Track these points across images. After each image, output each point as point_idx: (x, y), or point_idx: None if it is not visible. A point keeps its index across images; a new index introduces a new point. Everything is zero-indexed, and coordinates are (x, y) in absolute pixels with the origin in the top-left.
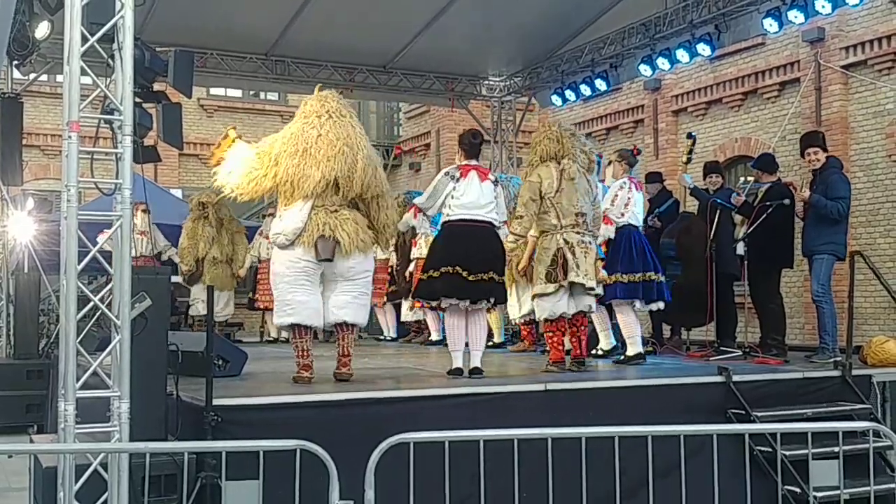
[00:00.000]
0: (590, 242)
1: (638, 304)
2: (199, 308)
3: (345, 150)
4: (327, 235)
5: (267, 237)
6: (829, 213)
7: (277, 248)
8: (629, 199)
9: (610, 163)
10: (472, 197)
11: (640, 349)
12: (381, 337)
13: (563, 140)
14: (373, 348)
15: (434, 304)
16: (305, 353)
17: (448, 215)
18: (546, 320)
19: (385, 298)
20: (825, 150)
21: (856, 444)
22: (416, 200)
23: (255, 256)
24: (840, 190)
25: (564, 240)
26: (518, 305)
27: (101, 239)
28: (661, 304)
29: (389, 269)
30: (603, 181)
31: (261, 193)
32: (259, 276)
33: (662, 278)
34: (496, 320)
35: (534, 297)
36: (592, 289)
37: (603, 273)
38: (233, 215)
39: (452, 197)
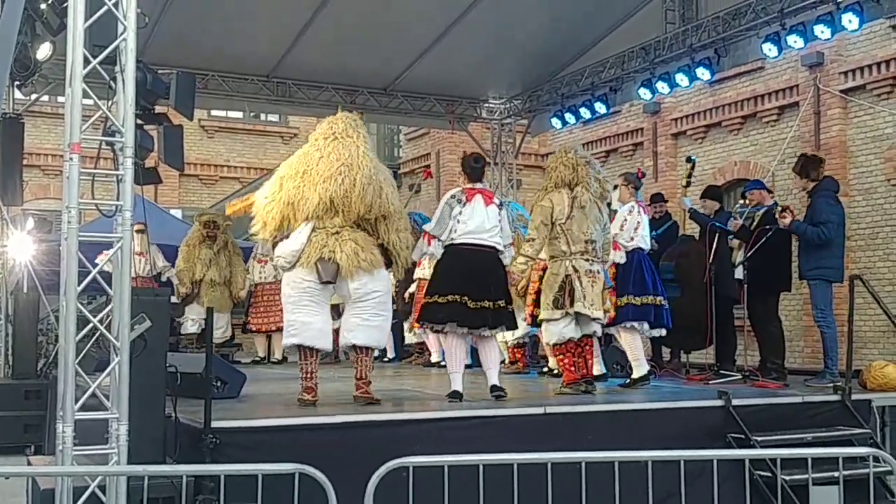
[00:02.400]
0: (598, 271)
1: (645, 327)
2: (187, 327)
3: (342, 170)
4: (326, 257)
5: (260, 260)
6: (810, 239)
7: (283, 270)
8: (638, 223)
9: (616, 187)
10: (477, 221)
11: (645, 371)
12: (385, 359)
13: (578, 168)
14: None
15: (438, 328)
16: (309, 376)
17: (452, 239)
18: (554, 345)
19: None
20: (803, 178)
21: (856, 469)
22: (427, 227)
23: (251, 280)
24: (822, 214)
25: (574, 267)
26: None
27: (100, 260)
28: (662, 332)
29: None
30: (609, 205)
31: (274, 221)
32: (253, 300)
33: (666, 303)
34: None
35: (541, 321)
36: (598, 319)
37: (608, 304)
38: (234, 239)
39: (458, 221)
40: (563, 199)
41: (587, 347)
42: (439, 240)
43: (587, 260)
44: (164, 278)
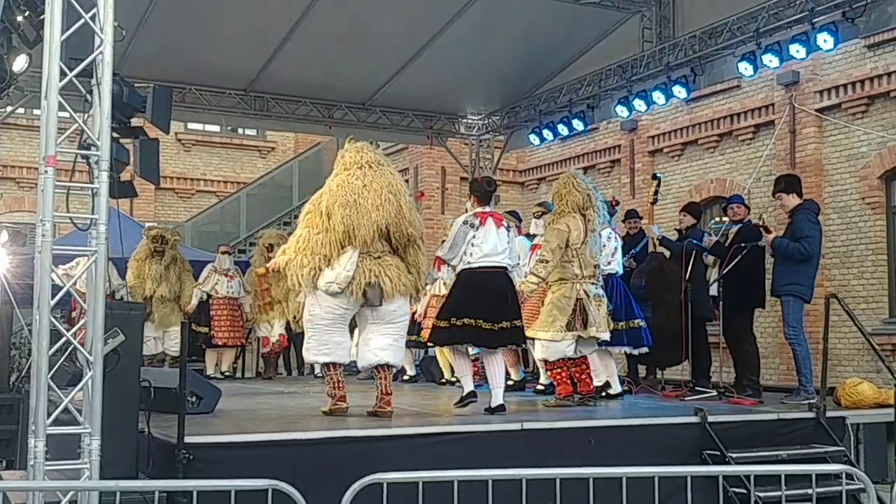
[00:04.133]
0: (602, 295)
1: (626, 349)
2: (148, 346)
3: (390, 197)
4: (373, 282)
5: (225, 274)
6: (792, 254)
7: (320, 293)
8: (616, 248)
9: None
10: (491, 244)
11: (620, 388)
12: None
13: (590, 193)
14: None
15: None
16: (340, 385)
17: (469, 263)
18: (552, 361)
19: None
20: (790, 193)
21: (829, 486)
22: (439, 252)
23: (206, 292)
24: (804, 230)
25: (585, 291)
26: None
27: (59, 272)
28: (644, 350)
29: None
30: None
31: (333, 248)
32: (213, 313)
33: (644, 324)
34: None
35: (540, 339)
36: (607, 340)
37: (610, 324)
38: (181, 254)
39: (473, 245)
40: (578, 223)
41: (584, 367)
42: (449, 265)
43: (593, 284)
44: (118, 296)
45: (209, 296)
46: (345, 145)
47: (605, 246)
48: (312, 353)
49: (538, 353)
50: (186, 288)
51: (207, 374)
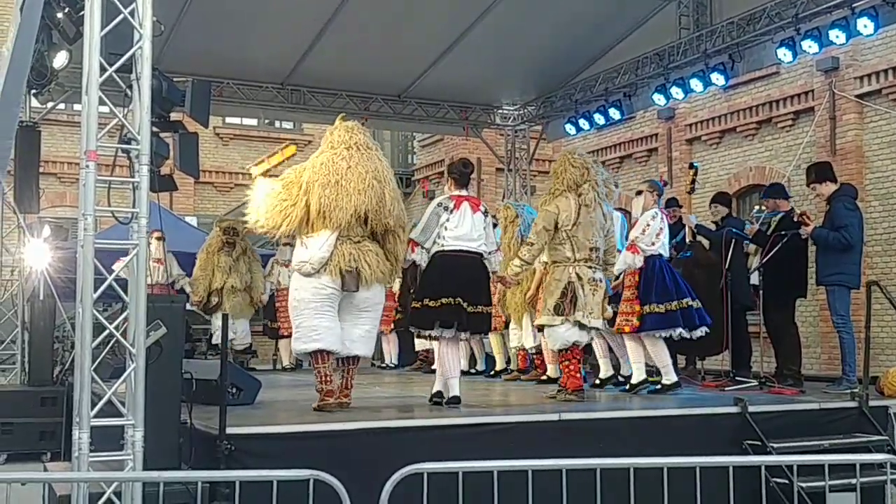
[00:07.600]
0: (600, 280)
1: (681, 331)
2: (215, 336)
3: (374, 183)
4: (351, 268)
5: (285, 265)
6: (833, 244)
7: (300, 275)
8: (661, 229)
9: (640, 193)
10: (465, 229)
11: (675, 378)
12: (382, 364)
13: (589, 168)
14: (375, 376)
15: (427, 333)
16: (328, 379)
17: (441, 245)
18: (559, 350)
19: (392, 326)
20: (827, 181)
21: (873, 476)
22: (412, 234)
23: (274, 284)
24: (843, 219)
25: (577, 274)
26: (532, 335)
27: (116, 267)
28: (705, 330)
29: (396, 297)
30: (628, 212)
31: (292, 223)
32: (278, 305)
33: (696, 303)
34: (497, 346)
35: (541, 327)
36: (595, 327)
37: (609, 310)
38: (251, 245)
39: (445, 228)
40: (570, 204)
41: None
42: (423, 247)
43: (590, 267)
44: (178, 286)
45: (275, 289)
46: (335, 122)
47: (648, 226)
48: (301, 341)
49: (549, 343)
50: (258, 279)
51: (283, 365)
